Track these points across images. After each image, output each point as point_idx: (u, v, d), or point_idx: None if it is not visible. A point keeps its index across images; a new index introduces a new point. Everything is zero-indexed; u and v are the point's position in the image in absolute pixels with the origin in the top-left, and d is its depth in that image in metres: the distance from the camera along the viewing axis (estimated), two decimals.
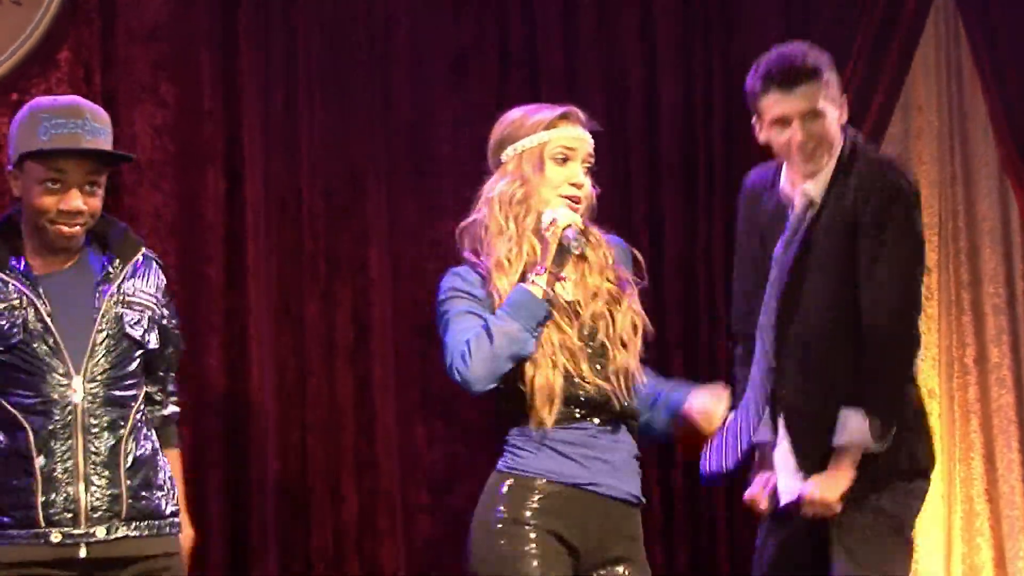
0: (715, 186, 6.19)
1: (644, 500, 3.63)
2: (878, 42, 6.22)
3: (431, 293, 5.91)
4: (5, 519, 3.54)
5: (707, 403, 3.56)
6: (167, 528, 3.69)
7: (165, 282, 3.81)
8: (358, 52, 5.95)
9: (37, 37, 5.57)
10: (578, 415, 3.54)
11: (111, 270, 3.68)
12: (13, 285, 3.59)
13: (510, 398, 3.54)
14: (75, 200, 3.57)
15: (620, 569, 3.56)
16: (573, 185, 3.57)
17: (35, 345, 3.56)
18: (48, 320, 3.57)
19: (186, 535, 3.83)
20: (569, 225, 3.50)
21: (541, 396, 3.49)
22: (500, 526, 3.50)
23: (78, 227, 3.60)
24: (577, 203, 3.59)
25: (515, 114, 3.66)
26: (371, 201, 5.93)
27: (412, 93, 6.01)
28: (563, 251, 3.51)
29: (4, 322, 3.57)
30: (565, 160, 3.58)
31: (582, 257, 3.58)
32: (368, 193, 5.93)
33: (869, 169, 4.09)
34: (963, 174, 6.42)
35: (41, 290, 3.60)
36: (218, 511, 5.64)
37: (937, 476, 4.33)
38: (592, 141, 3.64)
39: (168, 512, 3.69)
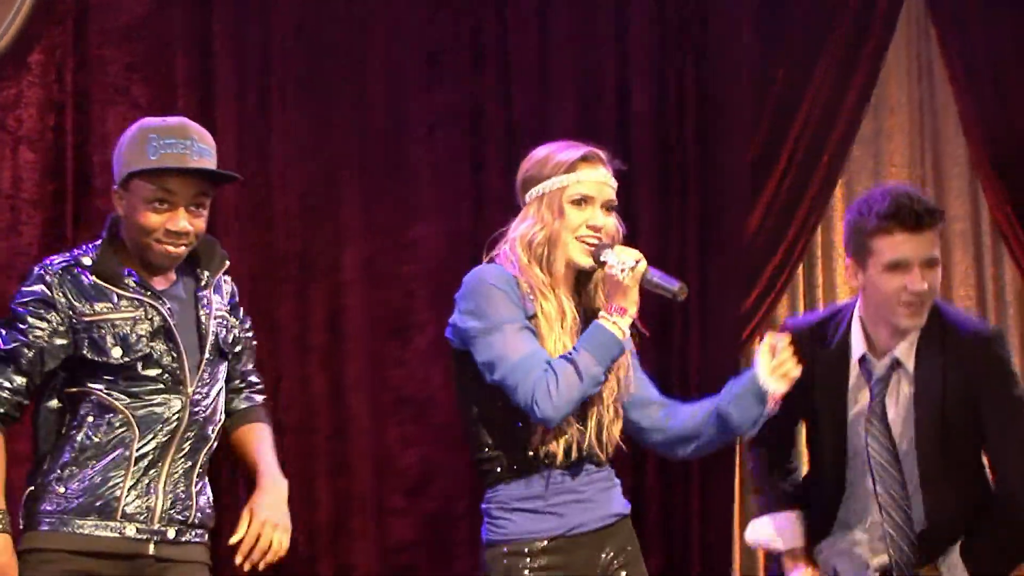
0: (688, 189, 6.21)
1: (628, 506, 3.67)
2: (850, 44, 6.26)
3: (405, 295, 6.02)
4: (75, 504, 3.58)
5: (772, 362, 3.55)
6: (208, 539, 3.76)
7: (233, 288, 3.85)
8: (333, 53, 5.95)
9: (9, 39, 5.55)
10: (546, 461, 3.55)
11: (203, 286, 3.73)
12: (134, 298, 3.63)
13: (502, 431, 3.57)
14: (181, 220, 3.59)
15: None
16: (591, 227, 3.57)
17: (159, 354, 3.62)
18: (174, 332, 3.63)
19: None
20: (646, 266, 3.49)
21: (552, 437, 3.54)
22: None
23: (183, 247, 3.63)
24: (593, 244, 3.57)
25: (540, 153, 3.64)
26: (345, 202, 5.93)
27: (387, 95, 6.01)
28: (643, 288, 3.51)
29: (130, 332, 3.60)
30: (583, 204, 3.57)
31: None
32: (342, 194, 5.93)
33: (973, 342, 3.92)
34: (934, 175, 6.45)
35: (163, 302, 3.64)
36: None
37: None
38: (614, 183, 3.61)
39: (211, 526, 3.76)
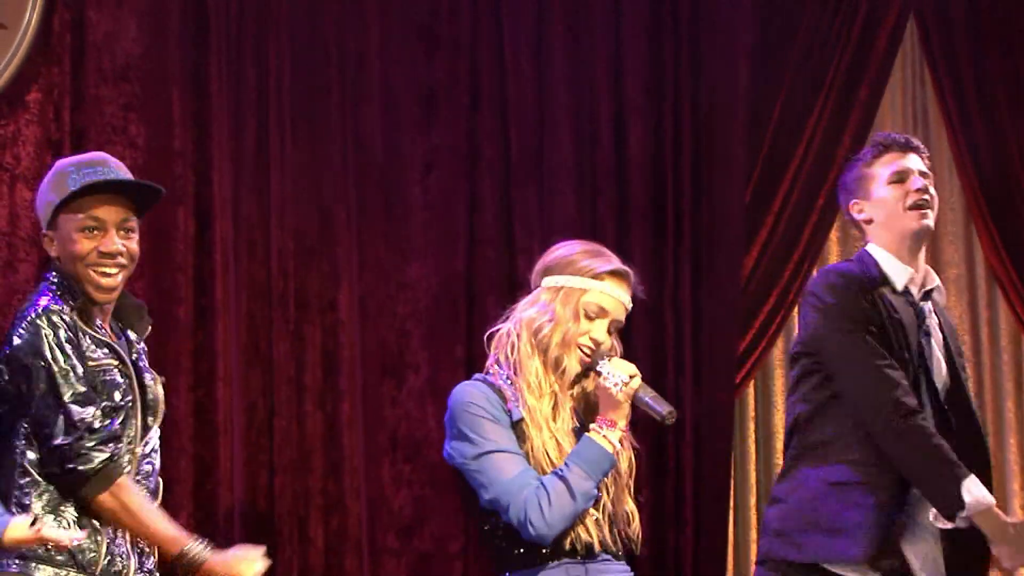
0: (683, 230, 6.21)
1: None
2: (846, 87, 6.28)
3: (400, 335, 6.02)
4: (61, 558, 3.53)
5: None
6: None
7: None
8: (329, 92, 5.97)
9: (7, 79, 5.55)
10: (566, 550, 3.55)
11: (136, 344, 3.75)
12: (108, 345, 3.64)
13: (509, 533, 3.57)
14: (115, 242, 3.61)
15: None
16: (593, 339, 3.57)
17: (130, 409, 3.63)
18: (135, 386, 3.66)
19: None
20: (640, 384, 3.51)
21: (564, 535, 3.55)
22: None
23: (117, 272, 3.63)
24: (588, 354, 3.58)
25: (569, 251, 3.65)
26: (340, 241, 5.94)
27: (383, 134, 6.03)
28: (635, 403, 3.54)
29: (119, 379, 3.61)
30: (596, 316, 3.56)
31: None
32: (337, 233, 5.94)
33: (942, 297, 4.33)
34: None
35: (126, 356, 3.66)
36: None
37: None
38: (631, 306, 3.63)
39: None
